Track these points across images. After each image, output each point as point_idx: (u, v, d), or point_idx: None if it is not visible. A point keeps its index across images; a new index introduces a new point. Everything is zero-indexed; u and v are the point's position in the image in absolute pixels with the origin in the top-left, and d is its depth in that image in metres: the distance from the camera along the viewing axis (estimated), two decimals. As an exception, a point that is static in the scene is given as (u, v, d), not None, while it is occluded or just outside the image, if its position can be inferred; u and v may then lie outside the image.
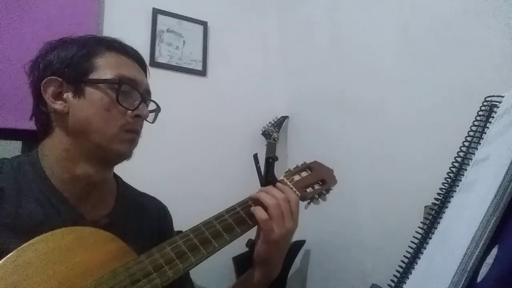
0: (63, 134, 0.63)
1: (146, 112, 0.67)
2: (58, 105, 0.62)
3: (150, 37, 1.69)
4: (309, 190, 0.72)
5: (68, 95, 0.62)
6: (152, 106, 0.74)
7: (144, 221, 0.74)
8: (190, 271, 0.67)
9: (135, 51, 0.70)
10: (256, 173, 0.74)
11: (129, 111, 0.64)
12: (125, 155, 0.66)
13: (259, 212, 0.63)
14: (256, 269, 0.67)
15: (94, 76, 0.63)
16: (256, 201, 0.66)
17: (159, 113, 0.77)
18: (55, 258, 0.51)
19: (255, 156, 0.73)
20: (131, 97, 0.65)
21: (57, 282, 0.49)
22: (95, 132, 0.62)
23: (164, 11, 1.75)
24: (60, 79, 0.62)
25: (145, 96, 0.68)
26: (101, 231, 0.57)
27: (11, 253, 0.49)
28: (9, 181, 0.59)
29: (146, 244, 0.58)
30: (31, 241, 0.51)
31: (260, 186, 0.73)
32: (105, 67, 0.63)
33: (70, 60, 0.63)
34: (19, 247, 0.50)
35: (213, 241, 0.59)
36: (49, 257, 0.51)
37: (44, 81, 0.62)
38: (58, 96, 0.63)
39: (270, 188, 0.67)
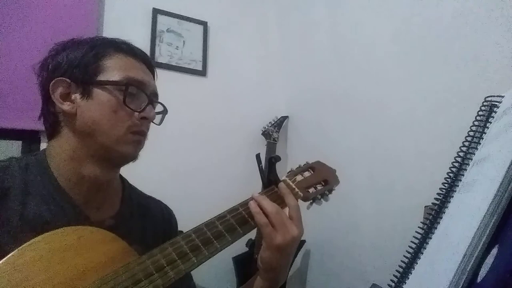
0: (71, 134, 0.63)
1: (152, 114, 0.68)
2: (66, 106, 0.63)
3: (150, 37, 1.69)
4: (311, 190, 0.72)
5: (76, 96, 0.63)
6: (159, 108, 0.75)
7: (149, 224, 0.74)
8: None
9: (144, 53, 0.71)
10: (258, 173, 0.74)
11: (136, 113, 0.64)
12: (131, 157, 0.66)
13: (259, 217, 0.62)
14: (260, 276, 0.65)
15: (102, 77, 0.63)
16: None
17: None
18: (57, 257, 0.51)
19: (258, 156, 0.72)
20: (138, 99, 0.65)
21: (58, 282, 0.49)
22: (102, 133, 0.62)
23: (164, 11, 1.75)
24: (69, 80, 0.63)
25: (152, 98, 0.69)
26: (103, 231, 0.57)
27: (12, 252, 0.49)
28: (16, 181, 0.59)
29: (150, 246, 0.58)
30: (32, 241, 0.51)
31: (262, 186, 0.73)
32: (113, 69, 0.64)
33: (79, 62, 0.63)
34: (21, 247, 0.50)
35: (215, 241, 0.59)
36: (51, 257, 0.51)
37: (52, 82, 0.63)
38: (66, 97, 0.63)
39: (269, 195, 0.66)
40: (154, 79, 0.72)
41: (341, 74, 1.51)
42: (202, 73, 1.80)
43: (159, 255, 0.55)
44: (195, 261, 0.56)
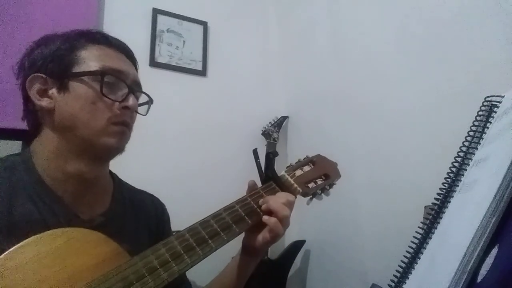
0: (52, 131, 0.62)
1: (134, 103, 0.65)
2: (44, 102, 0.61)
3: (150, 37, 1.69)
4: (311, 185, 0.70)
5: (53, 91, 0.61)
6: (144, 99, 0.73)
7: (142, 218, 0.73)
8: (188, 271, 0.67)
9: (121, 42, 0.68)
10: (256, 170, 0.74)
11: (117, 103, 0.62)
12: (115, 149, 0.64)
13: (267, 217, 0.63)
14: (251, 259, 0.70)
15: (77, 69, 0.61)
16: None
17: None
18: (45, 261, 0.49)
19: (255, 151, 0.72)
20: (118, 89, 0.64)
21: (48, 286, 0.48)
22: (82, 127, 0.60)
23: (164, 11, 1.75)
24: (44, 76, 0.61)
25: (133, 87, 0.66)
26: (93, 233, 0.55)
27: (0, 256, 0.48)
28: (1, 181, 0.58)
29: (144, 242, 0.57)
30: (20, 244, 0.49)
31: (260, 181, 0.72)
32: (88, 60, 0.62)
33: (53, 56, 0.62)
34: (8, 250, 0.48)
35: (209, 241, 0.57)
36: (39, 261, 0.49)
37: (28, 78, 0.61)
38: (43, 93, 0.62)
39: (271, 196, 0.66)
40: (136, 69, 0.70)
41: (341, 74, 1.51)
42: (202, 73, 1.80)
43: (152, 256, 0.54)
44: (189, 261, 0.55)
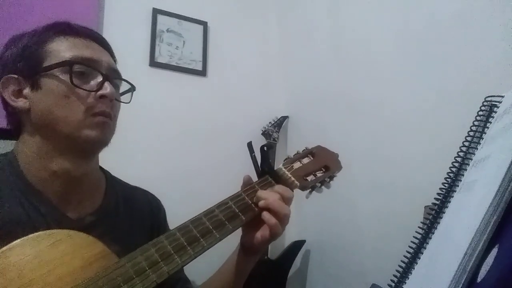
0: (32, 131, 0.61)
1: (110, 91, 0.61)
2: (19, 103, 0.60)
3: (150, 37, 1.69)
4: (310, 178, 0.67)
5: (27, 91, 0.60)
6: (126, 86, 0.71)
7: (136, 215, 0.71)
8: (189, 271, 0.66)
9: (91, 30, 0.66)
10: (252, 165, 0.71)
11: (92, 93, 0.60)
12: (98, 141, 0.62)
13: (268, 216, 0.60)
14: (249, 257, 0.67)
15: (46, 64, 0.60)
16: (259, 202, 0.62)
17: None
18: (31, 265, 0.48)
19: (250, 145, 0.70)
20: (92, 78, 0.61)
21: None
22: (60, 123, 0.58)
23: (164, 11, 1.75)
24: (16, 76, 0.60)
25: (109, 75, 0.63)
26: (81, 234, 0.53)
27: None
28: None
29: (138, 240, 0.55)
30: (5, 247, 0.48)
31: (256, 176, 0.70)
32: (57, 52, 0.60)
33: (22, 54, 0.61)
34: None
35: (201, 239, 0.55)
36: (24, 264, 0.48)
37: (1, 81, 0.60)
38: (18, 94, 0.61)
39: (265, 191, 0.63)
40: (112, 56, 0.68)
41: (341, 74, 1.51)
42: (202, 73, 1.80)
43: (140, 257, 0.52)
44: (180, 261, 0.53)
